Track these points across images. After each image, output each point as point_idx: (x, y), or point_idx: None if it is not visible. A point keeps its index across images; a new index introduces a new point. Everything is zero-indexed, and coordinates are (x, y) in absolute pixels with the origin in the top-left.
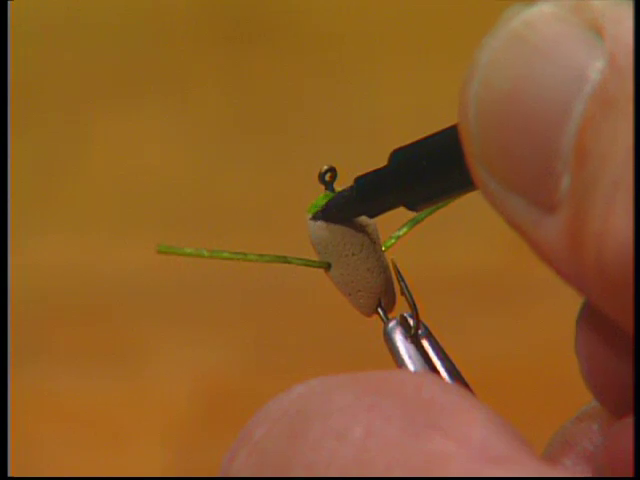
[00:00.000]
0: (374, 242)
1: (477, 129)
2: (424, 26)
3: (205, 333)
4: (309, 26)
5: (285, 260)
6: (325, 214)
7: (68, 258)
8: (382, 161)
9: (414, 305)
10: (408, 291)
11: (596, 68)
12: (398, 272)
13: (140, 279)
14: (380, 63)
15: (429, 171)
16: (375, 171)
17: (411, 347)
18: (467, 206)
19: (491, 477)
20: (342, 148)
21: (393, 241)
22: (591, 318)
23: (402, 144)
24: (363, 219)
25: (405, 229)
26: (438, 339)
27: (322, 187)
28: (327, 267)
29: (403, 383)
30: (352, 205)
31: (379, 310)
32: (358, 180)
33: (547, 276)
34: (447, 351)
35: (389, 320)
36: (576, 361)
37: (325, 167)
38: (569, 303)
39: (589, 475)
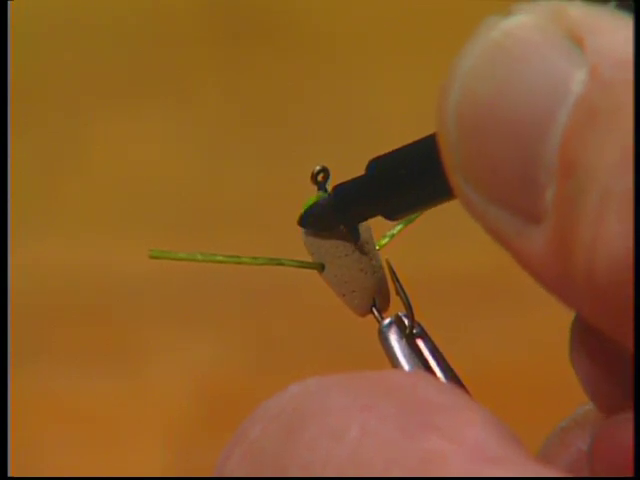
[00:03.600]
0: (367, 242)
1: (456, 138)
2: (424, 25)
3: (205, 333)
4: (309, 26)
5: (279, 262)
6: (303, 223)
7: (68, 258)
8: None
9: (409, 305)
10: (403, 290)
11: (578, 79)
12: (392, 272)
13: (140, 279)
14: (380, 63)
15: (407, 180)
16: (352, 180)
17: (406, 347)
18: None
19: (486, 477)
20: (342, 148)
21: (387, 240)
22: (584, 326)
23: (402, 144)
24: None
25: (399, 227)
26: (433, 339)
27: (314, 192)
28: (321, 268)
29: (399, 383)
30: (329, 214)
31: (374, 310)
32: (336, 189)
33: None
34: (443, 351)
35: (384, 320)
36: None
37: (317, 167)
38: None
39: (583, 476)
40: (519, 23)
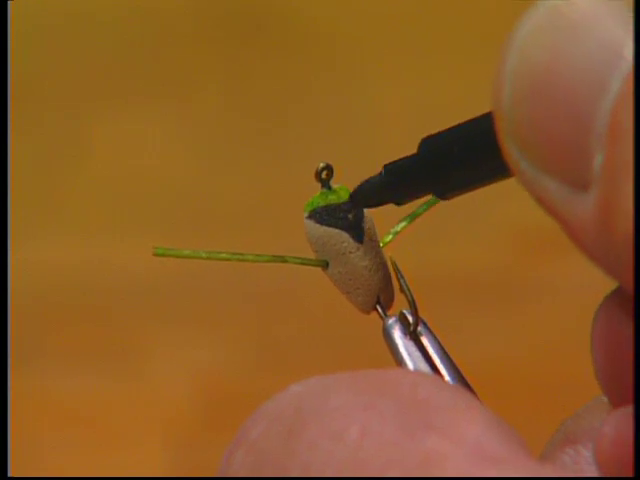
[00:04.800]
0: (371, 239)
1: (511, 104)
2: (424, 25)
3: (205, 333)
4: (310, 27)
5: (283, 260)
6: (353, 200)
7: (68, 258)
8: (382, 159)
9: (413, 302)
10: (407, 288)
11: (632, 47)
12: (397, 269)
13: (140, 279)
14: (381, 63)
15: (459, 158)
16: (404, 158)
17: (410, 344)
18: (468, 205)
19: (486, 477)
20: (343, 148)
21: (391, 237)
22: (611, 311)
23: (402, 143)
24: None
25: (403, 224)
26: (438, 336)
27: (314, 193)
28: (325, 265)
29: (399, 382)
30: (380, 192)
31: (378, 307)
32: (387, 167)
33: (547, 276)
34: (446, 348)
35: (388, 317)
36: (575, 361)
37: (321, 164)
38: (568, 303)
39: (589, 473)
40: None
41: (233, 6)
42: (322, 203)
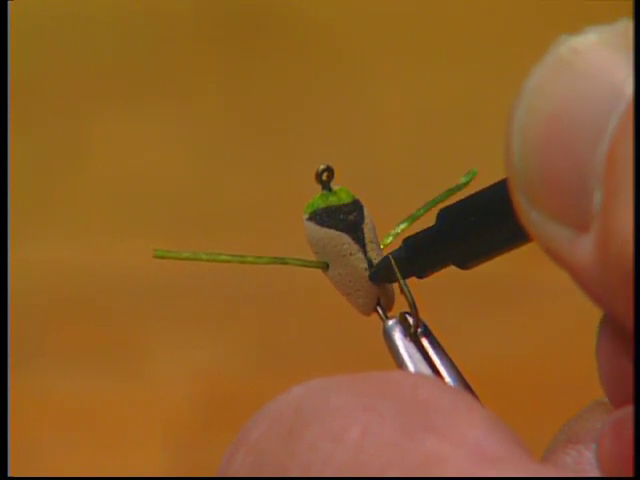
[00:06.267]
0: (371, 241)
1: (520, 156)
2: (424, 25)
3: (205, 333)
4: (311, 27)
5: (283, 261)
6: (374, 276)
7: (68, 258)
8: (382, 159)
9: (413, 303)
10: (407, 289)
11: (631, 83)
12: (397, 270)
13: (140, 279)
14: (381, 63)
15: (477, 227)
16: (423, 231)
17: (410, 346)
18: None
19: (486, 477)
20: (343, 148)
21: (391, 239)
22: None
23: (402, 143)
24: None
25: (403, 226)
26: (438, 338)
27: (314, 193)
28: (325, 267)
29: (400, 384)
30: (401, 266)
31: (378, 309)
32: (406, 241)
33: (547, 278)
34: (447, 349)
35: (388, 319)
36: (575, 361)
37: (322, 166)
38: (569, 305)
39: (591, 474)
40: (585, 39)
41: (233, 6)
42: (322, 205)
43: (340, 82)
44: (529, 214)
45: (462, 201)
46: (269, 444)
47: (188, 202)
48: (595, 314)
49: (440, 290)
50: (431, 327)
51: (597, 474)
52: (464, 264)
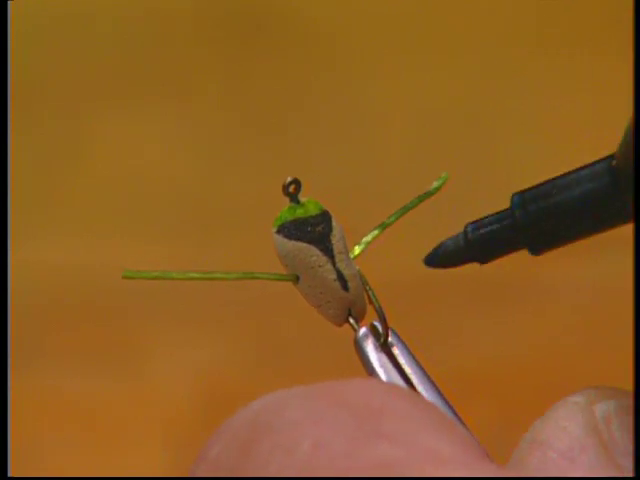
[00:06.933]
0: (341, 251)
1: None
2: (423, 25)
3: (205, 333)
4: (310, 27)
5: (252, 276)
6: (430, 262)
7: (68, 258)
8: (382, 159)
9: (382, 313)
10: (375, 299)
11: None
12: (364, 280)
13: (140, 279)
14: (381, 63)
15: (561, 211)
16: (492, 216)
17: (382, 355)
18: (467, 206)
19: (440, 477)
20: (343, 148)
21: (361, 248)
22: None
23: (402, 143)
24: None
25: (374, 233)
26: (409, 346)
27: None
28: (295, 280)
29: (354, 392)
30: (464, 252)
31: (350, 319)
32: (471, 227)
33: (546, 276)
34: (446, 350)
35: (359, 329)
36: (574, 361)
37: (289, 179)
38: (567, 303)
39: (554, 475)
40: None
41: (233, 6)
42: (290, 217)
43: (340, 82)
44: None
45: (539, 186)
46: (227, 459)
47: (188, 202)
48: (595, 314)
49: (440, 290)
50: (431, 327)
51: (561, 475)
52: (539, 251)
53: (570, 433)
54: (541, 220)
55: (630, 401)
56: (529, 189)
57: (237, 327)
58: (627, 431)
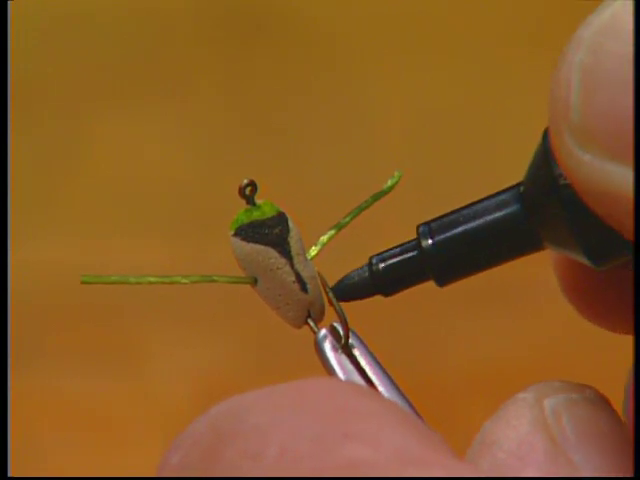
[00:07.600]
0: (298, 254)
1: (580, 97)
2: (423, 25)
3: (205, 333)
4: (310, 27)
5: (211, 279)
6: (337, 294)
7: (68, 258)
8: (382, 159)
9: (342, 314)
10: (335, 301)
11: None
12: (324, 281)
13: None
14: (381, 63)
15: (471, 242)
16: (396, 248)
17: (342, 357)
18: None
19: (407, 477)
20: (343, 148)
21: (318, 249)
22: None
23: (402, 143)
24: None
25: (330, 233)
26: (369, 346)
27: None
28: (254, 282)
29: (317, 393)
30: (367, 287)
31: (309, 321)
32: (377, 259)
33: (547, 278)
34: (445, 350)
35: (319, 331)
36: (574, 361)
37: (245, 181)
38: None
39: (505, 475)
40: None
41: (233, 6)
42: (246, 220)
43: (340, 82)
44: (580, 157)
45: (445, 215)
46: (190, 467)
47: (188, 201)
48: None
49: (439, 290)
50: (431, 327)
51: (514, 475)
52: (443, 282)
53: (519, 431)
54: (449, 250)
55: (580, 394)
56: (435, 219)
57: (237, 327)
58: (578, 424)
